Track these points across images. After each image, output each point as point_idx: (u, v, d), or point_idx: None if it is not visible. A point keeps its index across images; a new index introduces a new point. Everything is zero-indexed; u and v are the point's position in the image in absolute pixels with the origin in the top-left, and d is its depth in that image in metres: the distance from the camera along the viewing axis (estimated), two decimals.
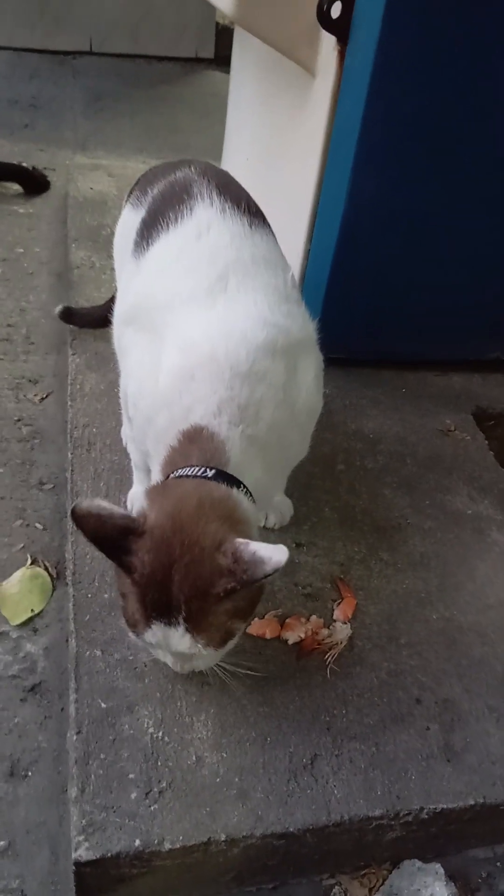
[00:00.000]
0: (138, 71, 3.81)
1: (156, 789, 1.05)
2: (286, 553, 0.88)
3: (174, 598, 0.90)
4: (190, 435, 1.03)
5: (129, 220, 1.38)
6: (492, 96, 1.49)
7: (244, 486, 1.02)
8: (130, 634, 0.97)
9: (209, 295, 1.11)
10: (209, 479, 0.99)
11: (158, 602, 0.91)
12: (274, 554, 0.88)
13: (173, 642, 0.92)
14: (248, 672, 1.09)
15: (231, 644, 0.99)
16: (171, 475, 1.02)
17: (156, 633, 0.92)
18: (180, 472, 1.01)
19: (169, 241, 1.20)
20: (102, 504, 0.90)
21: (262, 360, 1.05)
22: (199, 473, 0.99)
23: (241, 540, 0.91)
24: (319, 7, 1.47)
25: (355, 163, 1.53)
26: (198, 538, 0.91)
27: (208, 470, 1.00)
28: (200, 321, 1.08)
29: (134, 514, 1.36)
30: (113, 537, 0.91)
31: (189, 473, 1.00)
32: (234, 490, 1.00)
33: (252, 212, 1.25)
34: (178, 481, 1.00)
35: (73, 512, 0.89)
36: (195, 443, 1.02)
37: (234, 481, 1.01)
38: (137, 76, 3.76)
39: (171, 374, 1.06)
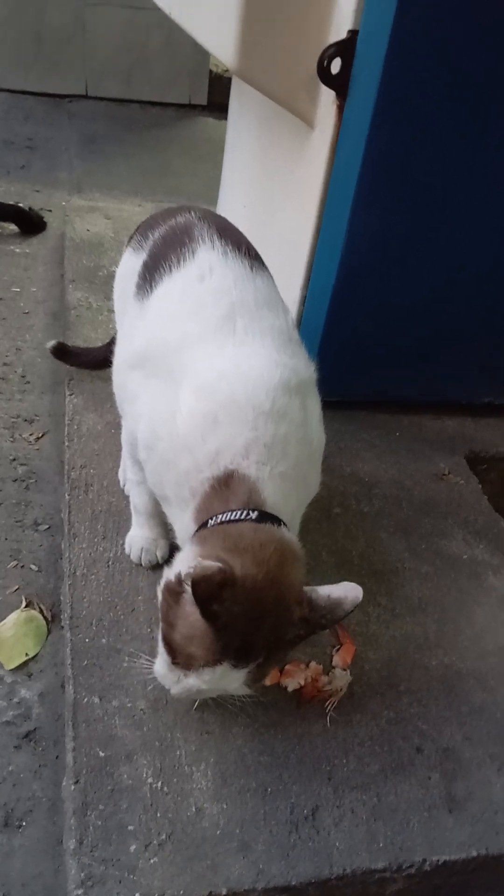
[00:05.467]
0: (132, 115, 3.88)
1: (156, 841, 1.03)
2: (360, 589, 0.94)
3: (259, 646, 0.94)
4: (223, 480, 1.03)
5: (131, 263, 1.39)
6: (489, 146, 1.53)
7: (283, 523, 1.03)
8: (167, 670, 1.00)
9: (217, 337, 1.13)
10: (255, 521, 1.00)
11: (242, 649, 0.94)
12: (349, 592, 0.94)
13: (227, 681, 0.96)
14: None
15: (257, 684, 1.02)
16: (211, 521, 1.02)
17: (216, 671, 0.95)
18: (221, 517, 1.01)
19: (173, 284, 1.22)
20: (204, 565, 0.90)
21: (281, 398, 1.07)
22: (243, 517, 1.00)
23: (308, 588, 0.96)
24: (320, 63, 1.51)
25: (353, 211, 1.57)
26: (284, 591, 0.95)
27: (251, 512, 1.01)
28: (213, 364, 1.10)
29: (133, 556, 1.37)
30: (216, 595, 0.90)
31: (233, 518, 1.00)
32: (284, 528, 1.02)
33: (252, 255, 1.27)
34: (235, 527, 1.00)
35: (196, 581, 0.89)
36: (229, 487, 1.03)
37: (276, 520, 1.02)
38: (131, 120, 3.83)
39: (191, 418, 1.06)
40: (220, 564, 0.91)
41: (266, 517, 1.02)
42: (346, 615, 0.95)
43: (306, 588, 0.97)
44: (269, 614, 0.94)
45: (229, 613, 0.91)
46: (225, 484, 1.04)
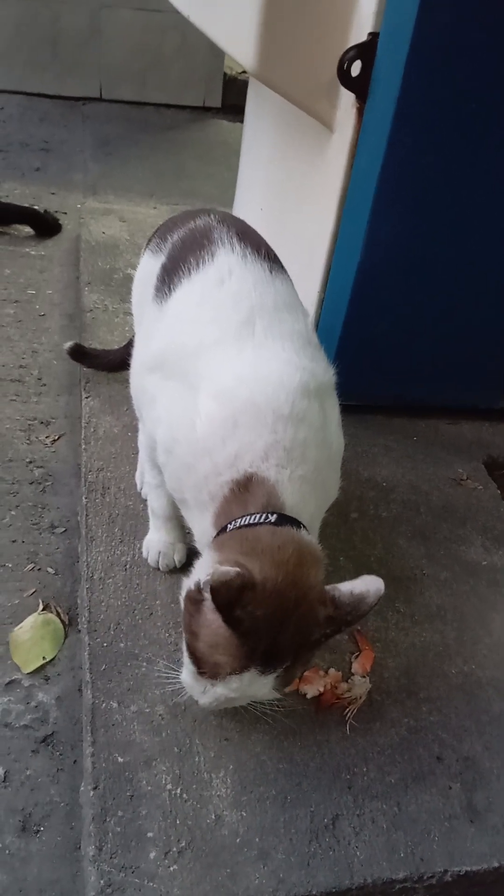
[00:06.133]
0: (146, 117, 3.88)
1: (175, 849, 1.02)
2: (381, 581, 0.93)
3: (285, 648, 0.92)
4: (242, 484, 1.03)
5: (149, 266, 1.39)
6: None
7: (303, 526, 1.02)
8: (187, 669, 0.99)
9: (237, 340, 1.12)
10: (273, 524, 0.99)
11: (268, 653, 0.92)
12: (370, 586, 0.94)
13: (256, 688, 0.94)
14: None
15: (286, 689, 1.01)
16: (230, 525, 1.01)
17: (243, 678, 0.93)
18: (240, 521, 1.00)
19: (192, 287, 1.21)
20: (222, 570, 0.89)
21: (301, 402, 1.06)
22: (262, 520, 0.99)
23: (330, 586, 0.95)
24: (340, 65, 1.51)
25: (372, 215, 1.56)
26: (305, 591, 0.94)
27: (269, 515, 1.00)
28: (233, 367, 1.09)
29: (150, 560, 1.37)
30: (236, 600, 0.90)
31: (252, 522, 1.00)
32: (303, 531, 1.01)
33: (271, 258, 1.26)
34: (253, 531, 0.99)
35: (214, 588, 0.87)
36: (249, 491, 1.02)
37: (296, 522, 1.01)
38: (146, 122, 3.83)
39: (210, 422, 1.05)
40: (237, 569, 0.90)
41: (285, 520, 1.01)
42: (371, 609, 0.94)
43: (328, 587, 0.96)
44: (293, 616, 0.93)
45: (252, 618, 0.90)
46: (244, 487, 1.03)
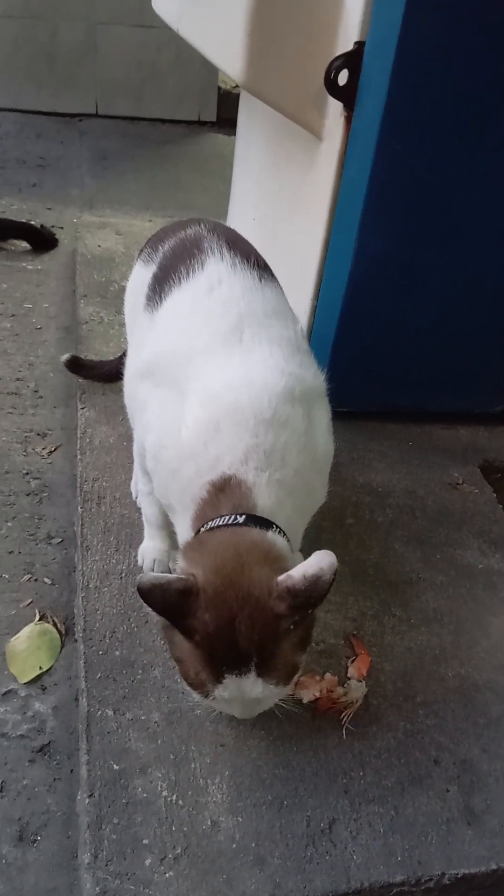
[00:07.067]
0: (142, 132, 3.92)
1: (171, 855, 1.02)
2: (331, 554, 0.91)
3: (243, 648, 0.91)
4: (218, 485, 1.03)
5: (141, 276, 1.40)
6: (498, 156, 1.53)
7: (277, 527, 1.02)
8: (195, 696, 0.97)
9: (225, 347, 1.13)
10: (240, 525, 0.99)
11: (228, 656, 0.91)
12: (322, 563, 0.90)
13: (247, 690, 0.93)
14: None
15: (296, 677, 0.99)
16: (203, 528, 1.01)
17: (228, 686, 0.93)
18: (211, 523, 1.01)
19: (182, 296, 1.22)
20: (157, 575, 0.91)
21: (284, 407, 1.06)
22: (230, 522, 0.99)
23: (283, 576, 0.92)
24: (327, 74, 1.52)
25: (362, 223, 1.57)
26: (249, 587, 0.92)
27: (238, 516, 1.00)
28: (220, 373, 1.09)
29: (145, 568, 1.38)
30: (176, 604, 0.90)
31: (220, 523, 1.00)
32: (269, 531, 1.00)
33: (261, 266, 1.27)
34: (212, 533, 1.00)
35: (140, 589, 0.89)
36: (224, 492, 1.02)
37: (265, 523, 1.01)
38: (142, 137, 3.86)
39: (195, 426, 1.06)
40: (178, 576, 0.91)
41: (254, 521, 1.00)
42: (331, 584, 0.91)
43: (280, 577, 0.92)
44: (239, 615, 0.91)
45: (202, 623, 0.91)
46: (220, 489, 1.03)
